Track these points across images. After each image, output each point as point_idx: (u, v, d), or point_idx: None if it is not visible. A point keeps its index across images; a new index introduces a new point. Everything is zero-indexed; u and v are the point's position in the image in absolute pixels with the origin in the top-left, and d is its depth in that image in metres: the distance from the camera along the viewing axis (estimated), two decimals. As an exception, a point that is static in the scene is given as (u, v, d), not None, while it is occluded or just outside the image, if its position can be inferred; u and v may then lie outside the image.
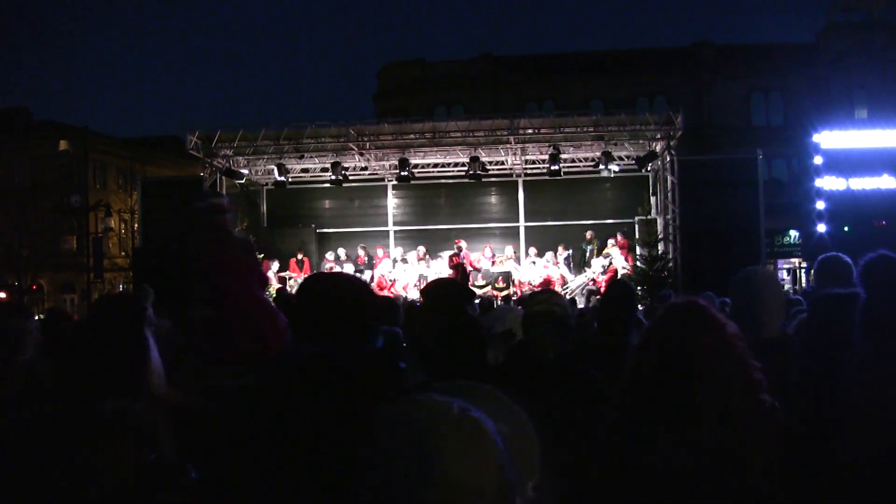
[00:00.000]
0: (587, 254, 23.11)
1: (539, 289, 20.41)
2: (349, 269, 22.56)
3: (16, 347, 3.68)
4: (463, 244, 22.54)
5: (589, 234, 23.46)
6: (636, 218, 23.60)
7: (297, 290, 3.17)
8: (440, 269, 21.91)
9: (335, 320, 2.84)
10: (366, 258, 23.70)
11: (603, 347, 5.09)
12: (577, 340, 5.02)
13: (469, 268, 21.74)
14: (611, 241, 22.45)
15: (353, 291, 2.98)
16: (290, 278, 22.86)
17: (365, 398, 2.35)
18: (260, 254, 22.86)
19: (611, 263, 21.67)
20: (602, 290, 20.87)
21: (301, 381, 2.56)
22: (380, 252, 23.98)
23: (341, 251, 23.93)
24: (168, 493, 2.48)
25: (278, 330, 6.00)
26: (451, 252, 22.37)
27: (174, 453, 2.67)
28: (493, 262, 22.91)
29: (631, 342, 4.71)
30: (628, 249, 22.72)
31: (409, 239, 25.22)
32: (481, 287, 21.14)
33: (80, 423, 2.46)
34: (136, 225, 32.64)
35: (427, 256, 23.04)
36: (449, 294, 4.83)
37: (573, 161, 23.79)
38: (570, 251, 23.28)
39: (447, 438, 1.30)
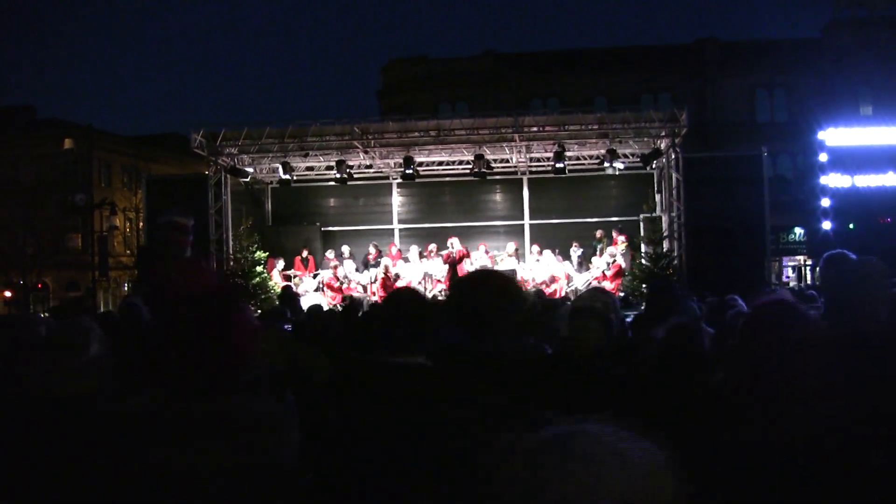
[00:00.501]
0: (596, 252, 23.07)
1: (544, 286, 20.49)
2: (350, 266, 22.52)
3: (82, 346, 3.67)
4: (455, 241, 22.34)
5: (599, 233, 23.40)
6: (641, 215, 23.55)
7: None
8: (441, 267, 21.90)
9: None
10: (376, 255, 23.56)
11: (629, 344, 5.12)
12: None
13: (458, 258, 21.51)
14: (620, 239, 22.35)
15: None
16: (294, 276, 22.85)
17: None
18: (264, 252, 23.00)
19: (615, 260, 21.65)
20: (608, 287, 20.92)
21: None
22: (393, 250, 23.90)
23: (345, 248, 23.86)
24: (267, 495, 2.46)
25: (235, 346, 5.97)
26: (445, 250, 22.31)
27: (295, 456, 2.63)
28: (493, 261, 22.76)
29: (655, 337, 4.72)
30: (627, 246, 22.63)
31: (413, 237, 25.16)
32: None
33: (175, 423, 2.44)
34: (141, 223, 32.67)
35: (431, 254, 22.94)
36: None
37: (578, 159, 23.74)
38: (583, 249, 23.27)
39: (614, 468, 1.30)
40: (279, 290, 21.53)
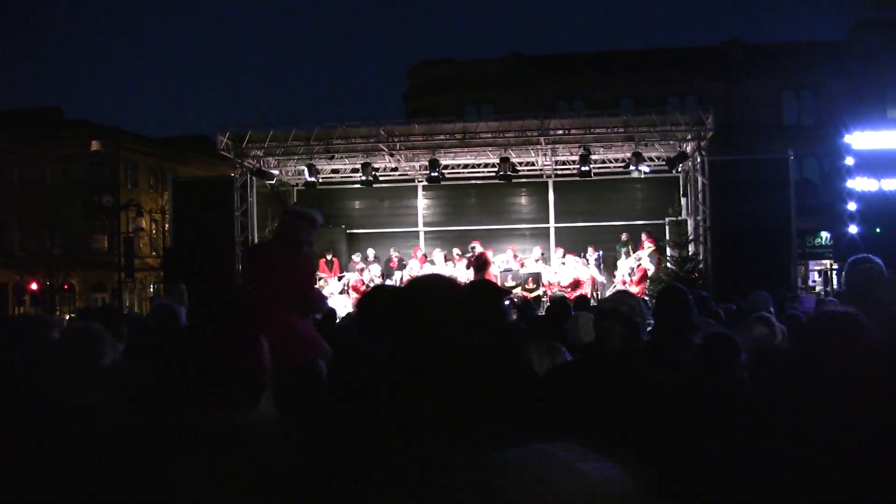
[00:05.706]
0: (620, 255, 22.92)
1: (568, 289, 20.41)
2: (376, 270, 22.57)
3: (97, 352, 3.65)
4: (476, 245, 22.21)
5: (625, 236, 23.23)
6: (667, 219, 23.43)
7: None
8: (465, 272, 21.79)
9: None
10: (397, 260, 23.58)
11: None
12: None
13: (479, 263, 21.24)
14: (647, 243, 22.19)
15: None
16: (319, 279, 22.88)
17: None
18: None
19: (640, 264, 21.56)
20: (633, 291, 20.81)
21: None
22: (418, 254, 23.78)
23: (370, 252, 23.89)
24: None
25: (296, 351, 5.81)
26: (468, 255, 22.24)
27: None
28: (521, 264, 22.73)
29: (693, 343, 4.69)
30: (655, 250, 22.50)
31: (438, 240, 25.16)
32: (512, 288, 21.03)
33: (184, 437, 2.35)
34: (167, 225, 32.85)
35: (456, 258, 22.91)
36: (481, 297, 4.78)
37: (603, 162, 23.70)
38: (601, 252, 23.14)
39: (572, 488, 1.32)
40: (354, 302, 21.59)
